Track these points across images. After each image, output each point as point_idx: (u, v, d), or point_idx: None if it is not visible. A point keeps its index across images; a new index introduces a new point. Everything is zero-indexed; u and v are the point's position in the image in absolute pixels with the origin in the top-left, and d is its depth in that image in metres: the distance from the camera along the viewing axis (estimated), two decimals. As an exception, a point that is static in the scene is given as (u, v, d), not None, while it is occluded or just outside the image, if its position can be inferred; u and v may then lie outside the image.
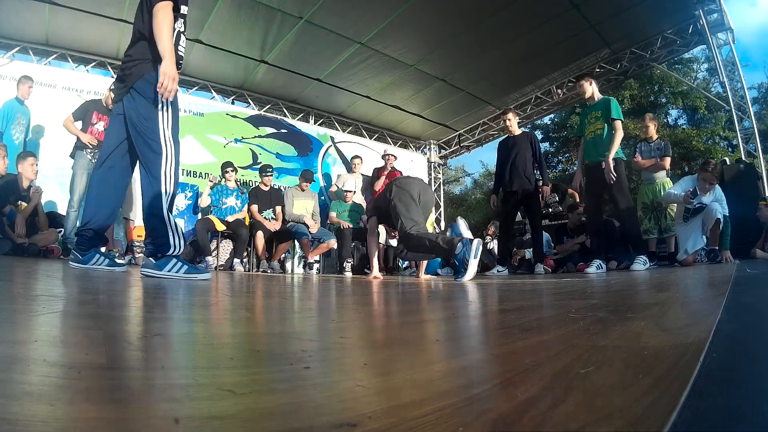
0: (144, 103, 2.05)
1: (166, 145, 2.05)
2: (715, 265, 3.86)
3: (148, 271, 2.01)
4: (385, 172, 6.22)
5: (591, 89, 4.14)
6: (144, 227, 2.18)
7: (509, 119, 4.84)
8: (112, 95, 3.04)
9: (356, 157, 6.91)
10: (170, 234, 2.04)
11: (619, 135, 3.85)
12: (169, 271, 1.99)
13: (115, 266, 2.30)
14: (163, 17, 1.99)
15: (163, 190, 2.03)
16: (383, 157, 6.59)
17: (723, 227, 4.04)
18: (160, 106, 2.04)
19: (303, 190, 5.73)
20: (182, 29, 2.17)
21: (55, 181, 5.18)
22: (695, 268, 3.73)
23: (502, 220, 4.91)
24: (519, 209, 4.90)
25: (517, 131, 4.88)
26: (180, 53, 2.15)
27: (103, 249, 2.51)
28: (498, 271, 4.56)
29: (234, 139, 7.00)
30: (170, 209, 2.08)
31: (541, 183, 4.81)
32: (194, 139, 6.53)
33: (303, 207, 5.60)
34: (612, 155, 3.79)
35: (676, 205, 4.69)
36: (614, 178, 3.77)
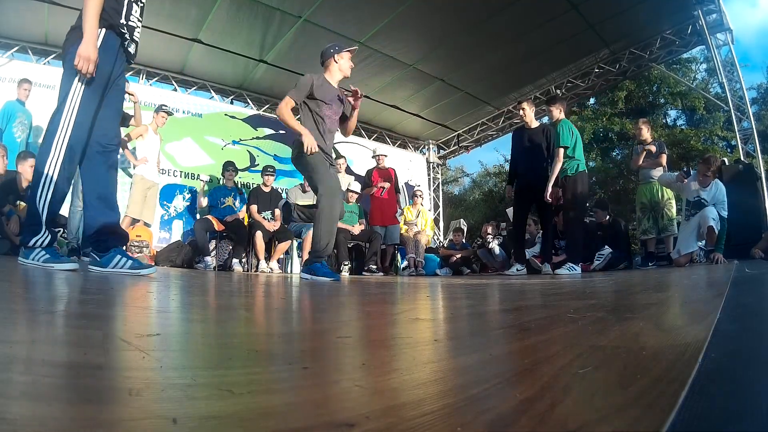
0: (65, 72, 1.98)
1: (63, 120, 1.98)
2: (712, 265, 3.88)
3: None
4: (378, 172, 6.22)
5: (556, 113, 4.28)
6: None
7: (524, 108, 4.50)
8: None
9: (339, 156, 6.75)
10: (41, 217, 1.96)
11: (559, 163, 4.12)
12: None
13: (141, 268, 1.99)
14: None
15: (44, 169, 1.90)
16: (373, 157, 6.57)
17: (719, 231, 4.03)
18: (75, 80, 1.97)
19: (305, 191, 5.71)
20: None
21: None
22: (694, 268, 3.74)
23: (514, 218, 4.67)
24: (531, 206, 4.64)
25: (534, 123, 4.54)
26: (132, 24, 2.01)
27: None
28: (517, 270, 4.34)
29: (232, 140, 7.00)
30: (44, 195, 1.95)
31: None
32: (192, 141, 6.53)
33: None
34: (551, 182, 4.17)
35: (674, 204, 4.70)
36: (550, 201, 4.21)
